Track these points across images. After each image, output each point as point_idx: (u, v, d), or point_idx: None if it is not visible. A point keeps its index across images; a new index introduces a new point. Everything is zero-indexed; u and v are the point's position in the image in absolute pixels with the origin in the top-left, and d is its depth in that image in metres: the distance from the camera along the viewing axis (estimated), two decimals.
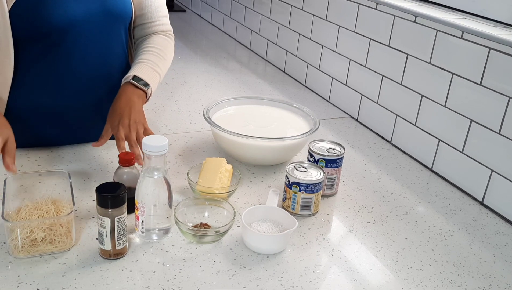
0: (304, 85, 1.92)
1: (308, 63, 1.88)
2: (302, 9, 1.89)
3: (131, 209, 0.92)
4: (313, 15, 1.81)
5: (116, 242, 0.86)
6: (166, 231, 0.94)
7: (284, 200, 1.07)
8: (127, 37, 1.26)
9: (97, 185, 0.85)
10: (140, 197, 0.89)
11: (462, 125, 1.22)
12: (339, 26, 1.67)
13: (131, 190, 0.92)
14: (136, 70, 1.17)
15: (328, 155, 1.11)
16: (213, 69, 2.04)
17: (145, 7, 1.25)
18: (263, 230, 0.96)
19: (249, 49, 2.38)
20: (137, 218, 0.91)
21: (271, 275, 0.87)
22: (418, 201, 1.16)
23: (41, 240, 0.85)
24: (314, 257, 0.93)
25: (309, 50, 1.87)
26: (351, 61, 1.63)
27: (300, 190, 1.03)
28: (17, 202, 0.92)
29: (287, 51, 2.03)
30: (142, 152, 0.91)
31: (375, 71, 1.52)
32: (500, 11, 1.22)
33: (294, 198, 1.04)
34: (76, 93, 1.18)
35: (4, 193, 0.91)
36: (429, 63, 1.31)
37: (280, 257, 0.92)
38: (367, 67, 1.55)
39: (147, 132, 1.09)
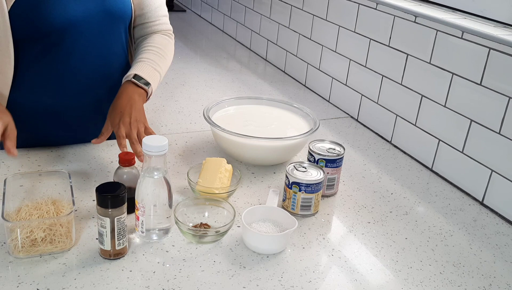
0: (304, 85, 1.92)
1: (308, 63, 1.88)
2: (302, 9, 1.89)
3: (131, 209, 0.92)
4: (313, 15, 1.81)
5: (116, 242, 0.86)
6: (166, 231, 0.94)
7: (284, 200, 1.07)
8: (127, 36, 1.26)
9: (97, 185, 0.85)
10: (140, 197, 0.89)
11: (462, 125, 1.22)
12: (339, 26, 1.67)
13: (131, 190, 0.92)
14: (137, 69, 1.17)
15: (328, 155, 1.11)
16: (213, 69, 2.04)
17: (145, 7, 1.25)
18: (263, 230, 0.96)
19: (249, 49, 2.38)
20: (137, 218, 0.91)
21: (271, 275, 0.87)
22: (418, 201, 1.16)
23: (41, 240, 0.85)
24: (314, 257, 0.93)
25: (309, 50, 1.87)
26: (351, 61, 1.63)
27: (300, 190, 1.03)
28: (17, 202, 0.92)
29: (287, 51, 2.03)
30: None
31: (375, 71, 1.52)
32: (500, 11, 1.22)
33: (294, 198, 1.04)
34: (76, 93, 1.18)
35: (4, 193, 0.91)
36: (429, 63, 1.31)
37: (280, 257, 0.92)
38: (367, 67, 1.55)
39: (147, 131, 1.09)
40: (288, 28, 2.00)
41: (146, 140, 0.88)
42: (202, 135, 1.40)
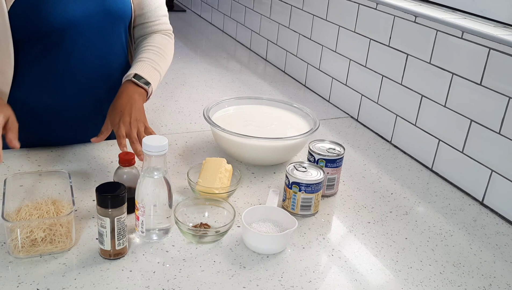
0: (304, 85, 1.92)
1: (308, 63, 1.88)
2: (302, 9, 1.89)
3: (131, 209, 0.92)
4: (313, 15, 1.81)
5: (116, 242, 0.86)
6: (166, 231, 0.94)
7: (284, 200, 1.07)
8: (127, 36, 1.26)
9: (97, 185, 0.85)
10: (140, 197, 0.89)
11: (462, 125, 1.22)
12: (339, 26, 1.67)
13: (131, 190, 0.92)
14: (137, 68, 1.17)
15: (328, 155, 1.11)
16: (213, 69, 2.04)
17: (144, 7, 1.25)
18: (263, 230, 0.96)
19: (249, 49, 2.38)
20: (137, 218, 0.91)
21: (271, 275, 0.87)
22: (418, 201, 1.16)
23: (41, 240, 0.85)
24: (314, 257, 0.93)
25: (309, 50, 1.87)
26: (351, 61, 1.63)
27: (300, 190, 1.03)
28: (17, 202, 0.92)
29: (287, 51, 2.03)
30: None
31: (375, 71, 1.52)
32: (500, 11, 1.22)
33: (294, 198, 1.04)
34: (76, 93, 1.18)
35: (4, 193, 0.91)
36: (429, 63, 1.31)
37: (280, 257, 0.92)
38: (367, 67, 1.55)
39: (147, 131, 1.09)
40: (288, 28, 2.00)
41: (146, 140, 0.88)
42: (202, 135, 1.40)
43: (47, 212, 0.89)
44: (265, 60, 2.22)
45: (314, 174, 1.05)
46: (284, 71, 2.07)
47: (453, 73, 1.24)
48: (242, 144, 1.20)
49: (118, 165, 0.97)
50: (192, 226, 0.95)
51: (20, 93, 1.13)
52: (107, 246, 0.85)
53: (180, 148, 1.31)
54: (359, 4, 1.56)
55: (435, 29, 1.28)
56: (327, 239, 0.99)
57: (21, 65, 1.11)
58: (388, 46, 1.45)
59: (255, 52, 2.32)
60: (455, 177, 1.25)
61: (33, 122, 1.18)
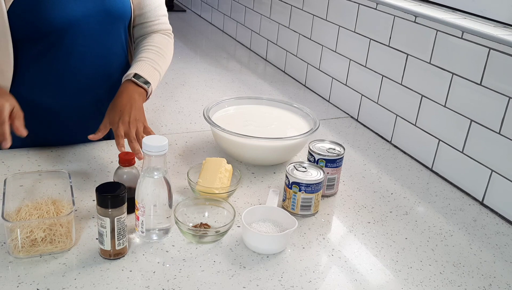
0: (304, 85, 1.92)
1: (308, 63, 1.88)
2: (302, 9, 1.89)
3: (131, 209, 0.92)
4: (313, 15, 1.81)
5: (116, 242, 0.86)
6: (166, 231, 0.94)
7: (284, 200, 1.07)
8: (126, 36, 1.26)
9: (97, 185, 0.85)
10: (140, 197, 0.89)
11: (462, 125, 1.22)
12: (339, 26, 1.67)
13: (131, 190, 0.92)
14: (137, 68, 1.17)
15: (328, 155, 1.11)
16: (213, 69, 2.04)
17: (144, 6, 1.25)
18: (263, 230, 0.96)
19: (249, 49, 2.38)
20: (137, 218, 0.91)
21: (271, 275, 0.87)
22: (418, 201, 1.16)
23: (41, 240, 0.85)
24: (314, 257, 0.93)
25: (309, 50, 1.87)
26: (351, 61, 1.63)
27: (300, 190, 1.03)
28: (17, 202, 0.92)
29: (287, 51, 2.03)
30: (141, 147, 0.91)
31: (375, 71, 1.52)
32: (500, 11, 1.22)
33: (294, 198, 1.04)
34: (76, 93, 1.18)
35: (4, 193, 0.91)
36: (429, 63, 1.31)
37: (280, 257, 0.92)
38: (367, 67, 1.55)
39: (146, 131, 1.09)
40: (288, 28, 2.00)
41: (146, 140, 0.88)
42: (202, 135, 1.40)
43: (47, 212, 0.89)
44: (265, 60, 2.22)
45: (314, 174, 1.05)
46: (284, 71, 2.07)
47: (453, 73, 1.24)
48: (242, 144, 1.20)
49: (118, 165, 0.97)
50: (192, 226, 0.95)
51: (20, 93, 1.13)
52: (107, 246, 0.85)
53: (180, 148, 1.31)
54: (359, 4, 1.56)
55: (435, 29, 1.28)
56: (327, 239, 0.99)
57: (21, 65, 1.11)
58: (388, 46, 1.45)
59: (255, 52, 2.32)
60: (455, 177, 1.25)
61: (33, 122, 1.18)
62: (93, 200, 1.03)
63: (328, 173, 1.11)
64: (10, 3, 1.03)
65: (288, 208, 1.05)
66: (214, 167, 1.09)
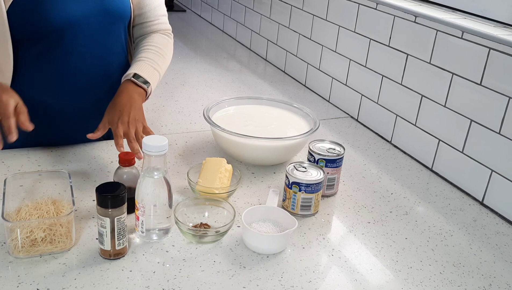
0: (304, 85, 1.92)
1: (308, 63, 1.88)
2: (302, 9, 1.89)
3: (131, 209, 0.92)
4: (313, 15, 1.81)
5: (116, 242, 0.86)
6: (166, 231, 0.94)
7: (284, 200, 1.07)
8: (126, 36, 1.26)
9: (97, 185, 0.85)
10: (140, 197, 0.89)
11: (462, 125, 1.22)
12: (339, 26, 1.67)
13: (131, 190, 0.92)
14: (136, 68, 1.17)
15: (328, 155, 1.11)
16: (213, 69, 2.04)
17: (144, 6, 1.25)
18: (263, 230, 0.96)
19: (249, 49, 2.38)
20: (137, 218, 0.91)
21: (271, 275, 0.87)
22: (418, 201, 1.16)
23: (41, 240, 0.85)
24: (314, 257, 0.93)
25: (309, 50, 1.87)
26: (351, 61, 1.63)
27: (300, 190, 1.03)
28: (17, 202, 0.92)
29: (287, 51, 2.03)
30: (141, 148, 0.91)
31: (375, 71, 1.52)
32: (500, 11, 1.22)
33: (294, 198, 1.04)
34: (75, 93, 1.18)
35: (4, 193, 0.91)
36: (429, 63, 1.31)
37: (280, 257, 0.92)
38: (367, 67, 1.55)
39: (146, 131, 1.09)
40: (288, 28, 2.00)
41: (146, 140, 0.88)
42: (202, 135, 1.40)
43: (47, 212, 0.89)
44: (265, 60, 2.22)
45: (314, 174, 1.05)
46: (284, 71, 2.07)
47: (453, 73, 1.24)
48: (242, 144, 1.20)
49: (118, 165, 0.97)
50: (192, 226, 0.95)
51: (19, 93, 1.13)
52: (107, 246, 0.85)
53: (180, 148, 1.31)
54: (359, 4, 1.56)
55: (435, 29, 1.28)
56: (327, 239, 0.99)
57: (21, 65, 1.11)
58: (388, 46, 1.45)
59: (255, 52, 2.32)
60: (455, 177, 1.25)
61: (33, 122, 1.18)
62: (93, 200, 1.03)
63: (328, 173, 1.11)
64: (10, 3, 1.03)
65: (288, 208, 1.05)
66: (214, 167, 1.09)
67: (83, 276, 0.83)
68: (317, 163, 1.11)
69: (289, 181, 1.04)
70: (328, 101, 1.77)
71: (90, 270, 0.84)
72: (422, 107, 1.35)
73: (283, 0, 2.01)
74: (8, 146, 1.19)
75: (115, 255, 0.87)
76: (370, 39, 1.52)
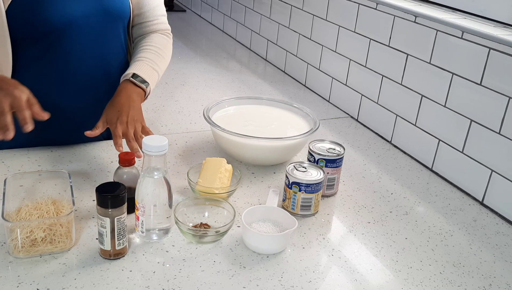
0: (304, 85, 1.92)
1: (308, 63, 1.88)
2: (302, 9, 1.89)
3: (131, 209, 0.92)
4: (313, 15, 1.81)
5: (116, 242, 0.86)
6: (166, 231, 0.94)
7: (284, 200, 1.07)
8: (125, 36, 1.26)
9: (97, 185, 0.85)
10: (140, 197, 0.89)
11: (462, 125, 1.22)
12: (339, 26, 1.67)
13: (131, 190, 0.92)
14: (135, 68, 1.17)
15: (328, 155, 1.11)
16: (213, 69, 2.04)
17: (143, 6, 1.25)
18: (263, 230, 0.96)
19: (249, 49, 2.38)
20: (137, 218, 0.91)
21: (271, 275, 0.87)
22: (418, 201, 1.16)
23: (41, 240, 0.85)
24: (314, 257, 0.93)
25: (309, 50, 1.87)
26: (351, 61, 1.63)
27: (300, 190, 1.03)
28: (17, 202, 0.92)
29: (287, 51, 2.03)
30: (140, 148, 0.91)
31: (375, 71, 1.52)
32: (500, 11, 1.22)
33: (294, 198, 1.04)
34: (75, 93, 1.18)
35: (4, 193, 0.91)
36: (429, 63, 1.31)
37: (280, 257, 0.92)
38: (367, 67, 1.55)
39: (145, 131, 1.09)
40: (288, 28, 2.00)
41: (146, 140, 0.88)
42: (202, 135, 1.40)
43: (47, 212, 0.89)
44: (265, 60, 2.22)
45: (314, 174, 1.05)
46: (284, 71, 2.07)
47: (453, 73, 1.24)
48: (242, 144, 1.20)
49: (118, 165, 0.97)
50: (192, 226, 0.95)
51: None
52: (107, 246, 0.85)
53: (180, 148, 1.31)
54: (359, 4, 1.56)
55: (435, 29, 1.28)
56: (327, 239, 0.99)
57: (20, 65, 1.11)
58: (388, 46, 1.45)
59: (255, 52, 2.32)
60: (455, 177, 1.25)
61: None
62: (93, 200, 1.03)
63: (328, 173, 1.11)
64: (9, 2, 1.03)
65: (288, 208, 1.05)
66: (214, 167, 1.09)
67: (83, 276, 0.83)
68: (317, 163, 1.11)
69: (289, 181, 1.04)
70: (328, 101, 1.77)
71: (90, 270, 0.84)
72: (422, 107, 1.35)
73: (283, 0, 2.01)
74: (8, 146, 1.20)
75: (115, 255, 0.87)
76: (370, 39, 1.52)
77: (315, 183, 1.03)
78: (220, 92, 1.77)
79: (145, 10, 1.26)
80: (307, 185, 1.02)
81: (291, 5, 1.96)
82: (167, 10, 1.35)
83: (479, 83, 1.17)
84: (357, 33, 1.58)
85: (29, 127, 0.95)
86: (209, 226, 0.96)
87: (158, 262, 0.88)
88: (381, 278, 0.90)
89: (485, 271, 0.94)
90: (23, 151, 1.20)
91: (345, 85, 1.67)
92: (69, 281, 0.81)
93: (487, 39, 1.13)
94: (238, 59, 2.23)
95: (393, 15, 1.42)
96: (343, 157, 1.13)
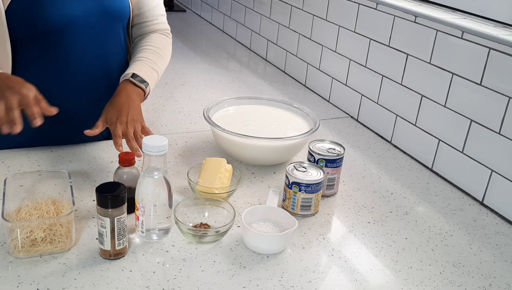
0: (304, 85, 1.92)
1: (308, 63, 1.88)
2: (302, 9, 1.89)
3: (131, 209, 0.92)
4: (313, 15, 1.81)
5: (116, 242, 0.86)
6: (166, 231, 0.94)
7: (284, 200, 1.07)
8: (125, 36, 1.26)
9: (97, 185, 0.85)
10: (140, 197, 0.89)
11: (462, 125, 1.22)
12: (339, 26, 1.67)
13: (131, 190, 0.92)
14: (135, 68, 1.17)
15: (328, 155, 1.11)
16: (213, 69, 2.04)
17: (142, 6, 1.25)
18: (263, 230, 0.96)
19: (249, 49, 2.38)
20: (137, 218, 0.91)
21: (271, 275, 0.87)
22: (418, 201, 1.16)
23: (41, 240, 0.85)
24: (314, 257, 0.93)
25: (309, 50, 1.87)
26: (351, 61, 1.63)
27: (300, 190, 1.03)
28: (17, 202, 0.92)
29: (287, 51, 2.03)
30: (140, 148, 0.91)
31: (375, 71, 1.52)
32: (500, 11, 1.22)
33: (294, 198, 1.04)
34: (75, 93, 1.18)
35: (4, 193, 0.91)
36: (429, 63, 1.31)
37: (280, 257, 0.92)
38: (367, 67, 1.55)
39: (144, 130, 1.09)
40: (288, 28, 2.00)
41: (146, 140, 0.88)
42: (202, 135, 1.40)
43: (47, 212, 0.89)
44: (265, 60, 2.22)
45: (314, 174, 1.05)
46: (284, 71, 2.07)
47: (453, 73, 1.24)
48: (242, 144, 1.20)
49: (118, 165, 0.97)
50: (192, 226, 0.95)
51: None
52: (107, 246, 0.85)
53: (180, 148, 1.31)
54: (359, 4, 1.56)
55: (435, 29, 1.28)
56: (327, 239, 0.99)
57: (20, 65, 1.11)
58: (388, 46, 1.45)
59: (255, 52, 2.32)
60: (455, 177, 1.25)
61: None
62: (93, 200, 1.03)
63: (328, 173, 1.11)
64: (8, 2, 1.03)
65: (288, 208, 1.05)
66: (214, 167, 1.09)
67: (83, 276, 0.83)
68: (317, 163, 1.11)
69: (289, 181, 1.04)
70: (328, 101, 1.77)
71: (90, 270, 0.84)
72: (422, 107, 1.35)
73: (283, 0, 2.01)
74: (8, 146, 1.20)
75: (115, 255, 0.87)
76: (370, 39, 1.52)
77: (315, 183, 1.03)
78: (220, 92, 1.77)
79: (144, 10, 1.26)
80: (307, 185, 1.02)
81: (291, 5, 1.96)
82: (167, 10, 1.35)
83: (479, 83, 1.17)
84: (357, 33, 1.58)
85: (38, 122, 0.95)
86: (209, 226, 0.96)
87: (158, 262, 0.88)
88: (381, 278, 0.90)
89: (485, 271, 0.94)
90: (23, 151, 1.20)
91: (345, 85, 1.67)
92: (69, 281, 0.81)
93: (487, 39, 1.13)
94: (238, 59, 2.23)
95: (393, 15, 1.42)
96: (343, 157, 1.13)
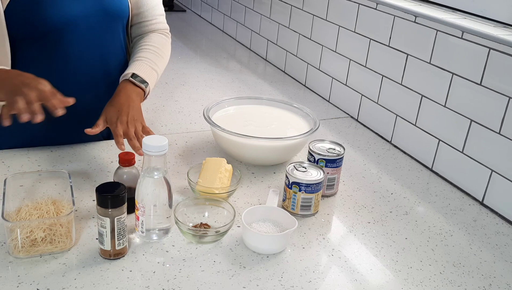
0: (304, 85, 1.92)
1: (308, 63, 1.88)
2: (302, 9, 1.89)
3: (131, 209, 0.92)
4: (313, 15, 1.81)
5: (116, 242, 0.86)
6: (166, 231, 0.94)
7: (284, 200, 1.07)
8: (125, 35, 1.26)
9: (97, 185, 0.85)
10: (140, 197, 0.89)
11: (462, 125, 1.22)
12: (339, 26, 1.67)
13: (131, 190, 0.92)
14: (135, 68, 1.17)
15: (328, 155, 1.11)
16: (213, 69, 2.04)
17: (141, 6, 1.26)
18: (263, 230, 0.96)
19: (249, 49, 2.38)
20: (137, 218, 0.91)
21: (271, 275, 0.87)
22: (418, 201, 1.16)
23: (41, 240, 0.85)
24: (314, 257, 0.93)
25: (309, 50, 1.87)
26: (351, 61, 1.63)
27: (300, 190, 1.03)
28: (17, 202, 0.92)
29: (287, 51, 2.03)
30: (140, 146, 0.91)
31: (375, 71, 1.52)
32: (500, 11, 1.22)
33: (294, 198, 1.04)
34: (74, 92, 1.17)
35: (4, 193, 0.91)
36: (429, 63, 1.31)
37: (280, 257, 0.92)
38: (367, 67, 1.55)
39: (145, 130, 1.09)
40: (288, 28, 2.00)
41: (146, 140, 0.88)
42: (202, 135, 1.40)
43: (47, 212, 0.89)
44: (265, 60, 2.22)
45: (314, 174, 1.05)
46: (284, 71, 2.07)
47: (453, 73, 1.24)
48: (242, 144, 1.20)
49: (118, 165, 0.97)
50: (192, 226, 0.95)
51: None
52: (107, 246, 0.85)
53: (180, 148, 1.31)
54: (359, 4, 1.56)
55: (435, 29, 1.28)
56: (327, 239, 0.99)
57: (19, 65, 1.11)
58: (388, 46, 1.45)
59: (255, 52, 2.32)
60: (455, 177, 1.25)
61: (32, 122, 1.18)
62: (93, 200, 1.03)
63: (328, 173, 1.11)
64: (7, 2, 1.03)
65: (288, 208, 1.05)
66: (214, 167, 1.09)
67: (83, 276, 0.83)
68: (317, 163, 1.11)
69: (289, 181, 1.04)
70: (328, 101, 1.77)
71: (90, 270, 0.84)
72: (422, 107, 1.35)
73: (283, 0, 2.01)
74: (8, 146, 1.20)
75: (115, 255, 0.87)
76: (370, 39, 1.52)
77: (315, 183, 1.03)
78: (220, 92, 1.77)
79: (143, 9, 1.26)
80: (307, 185, 1.02)
81: (291, 5, 1.96)
82: (167, 10, 1.35)
83: (479, 83, 1.17)
84: (357, 33, 1.58)
85: (59, 112, 0.95)
86: (209, 226, 0.96)
87: (158, 262, 0.88)
88: (381, 278, 0.90)
89: (485, 271, 0.94)
90: (23, 151, 1.20)
91: (345, 85, 1.67)
92: (69, 281, 0.81)
93: (487, 39, 1.13)
94: (238, 59, 2.23)
95: (393, 15, 1.42)
96: (343, 157, 1.13)
